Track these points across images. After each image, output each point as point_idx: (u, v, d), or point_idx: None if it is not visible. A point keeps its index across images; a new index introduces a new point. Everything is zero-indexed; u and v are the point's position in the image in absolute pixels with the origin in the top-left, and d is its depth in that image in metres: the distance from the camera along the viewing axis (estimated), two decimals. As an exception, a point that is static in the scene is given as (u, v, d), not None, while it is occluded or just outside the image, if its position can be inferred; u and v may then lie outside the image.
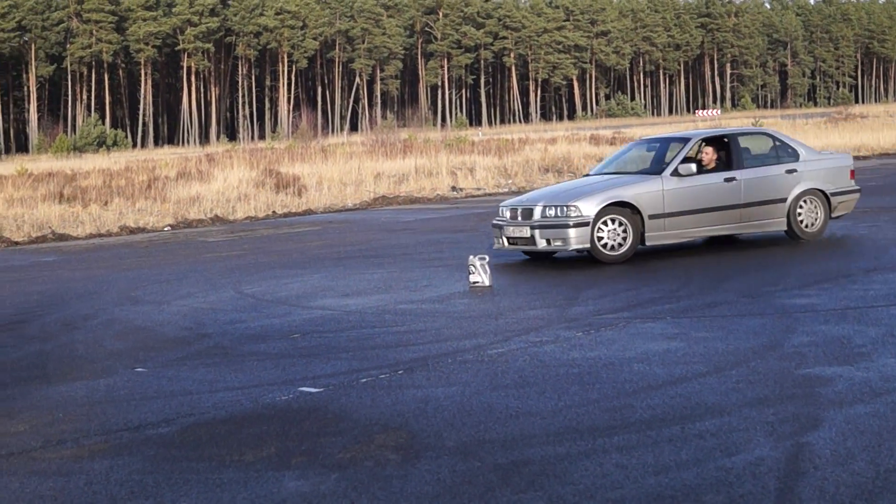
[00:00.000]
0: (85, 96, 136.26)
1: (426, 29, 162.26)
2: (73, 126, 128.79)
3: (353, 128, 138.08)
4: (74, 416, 8.61)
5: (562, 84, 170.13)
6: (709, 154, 16.83)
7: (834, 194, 17.24)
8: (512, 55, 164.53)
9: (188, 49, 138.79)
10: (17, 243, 25.13)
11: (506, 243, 16.37)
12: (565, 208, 15.70)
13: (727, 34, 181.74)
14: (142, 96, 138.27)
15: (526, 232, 15.96)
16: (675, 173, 16.15)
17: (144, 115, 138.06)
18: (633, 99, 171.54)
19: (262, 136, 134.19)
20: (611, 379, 8.69)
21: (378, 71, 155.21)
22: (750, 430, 7.08)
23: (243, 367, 10.10)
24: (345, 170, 39.50)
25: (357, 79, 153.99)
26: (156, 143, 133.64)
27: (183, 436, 7.80)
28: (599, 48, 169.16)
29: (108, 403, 8.97)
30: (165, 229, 27.59)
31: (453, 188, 36.24)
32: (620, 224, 15.71)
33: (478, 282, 14.20)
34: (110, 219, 28.62)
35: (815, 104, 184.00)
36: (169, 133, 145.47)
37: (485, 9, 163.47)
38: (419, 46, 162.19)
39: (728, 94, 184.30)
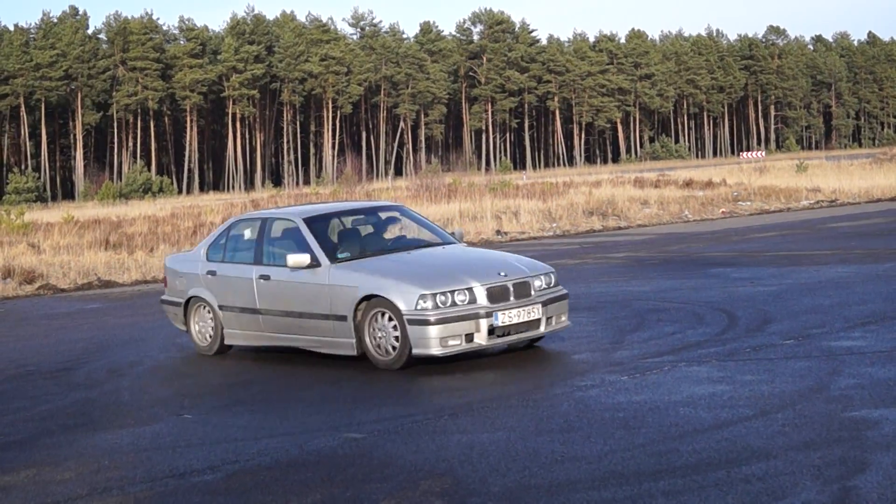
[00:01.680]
0: (130, 143, 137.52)
1: (470, 73, 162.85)
2: (119, 173, 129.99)
3: (398, 172, 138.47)
4: (120, 463, 8.65)
5: (606, 127, 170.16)
6: None
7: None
8: (556, 99, 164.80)
9: (233, 96, 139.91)
10: (63, 290, 25.32)
11: None
12: None
13: (771, 76, 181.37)
14: (187, 143, 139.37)
15: None
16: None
17: (190, 162, 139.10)
18: (677, 141, 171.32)
19: (307, 182, 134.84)
20: (656, 423, 8.66)
21: (422, 115, 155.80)
22: (796, 473, 7.04)
23: (288, 413, 10.12)
24: (389, 214, 39.56)
25: (401, 123, 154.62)
26: (201, 189, 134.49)
27: (228, 483, 7.82)
28: (643, 91, 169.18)
29: (154, 451, 9.01)
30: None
31: (498, 232, 36.26)
32: None
33: (522, 326, 14.15)
34: (156, 265, 28.78)
35: (860, 145, 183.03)
36: (214, 179, 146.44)
37: (528, 53, 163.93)
38: (463, 91, 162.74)
39: (772, 136, 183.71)
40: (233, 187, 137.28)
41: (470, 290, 11.76)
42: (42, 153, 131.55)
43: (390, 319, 11.79)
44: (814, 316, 13.75)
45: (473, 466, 7.74)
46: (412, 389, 10.83)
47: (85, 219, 47.97)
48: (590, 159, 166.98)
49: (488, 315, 11.69)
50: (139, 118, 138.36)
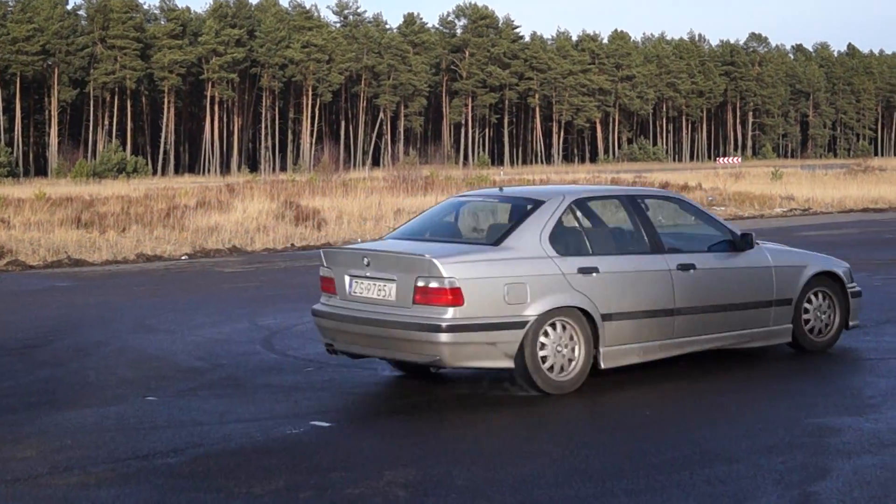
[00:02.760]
0: (106, 122, 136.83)
1: (452, 67, 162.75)
2: (94, 151, 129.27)
3: (375, 163, 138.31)
4: (83, 443, 8.62)
5: (585, 126, 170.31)
6: None
7: None
8: (536, 96, 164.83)
9: (212, 79, 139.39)
10: (32, 267, 25.19)
11: None
12: None
13: (751, 83, 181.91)
14: (164, 124, 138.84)
15: None
16: None
17: (166, 143, 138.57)
18: (655, 144, 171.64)
19: (283, 168, 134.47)
20: (623, 422, 8.70)
21: (402, 107, 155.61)
22: (758, 477, 7.09)
23: (255, 399, 10.12)
24: (365, 205, 39.57)
25: (381, 114, 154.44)
26: (176, 172, 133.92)
27: (192, 466, 7.82)
28: (624, 92, 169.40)
29: (118, 431, 8.99)
30: (182, 258, 27.67)
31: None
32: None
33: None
34: (127, 246, 28.68)
35: (835, 155, 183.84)
36: (190, 162, 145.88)
37: (511, 49, 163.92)
38: (444, 84, 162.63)
39: (749, 143, 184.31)
40: (208, 171, 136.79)
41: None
42: (16, 128, 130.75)
43: (825, 297, 11.73)
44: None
45: (438, 459, 7.76)
46: (382, 381, 10.84)
47: (57, 196, 47.72)
48: (568, 158, 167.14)
49: None
50: (116, 97, 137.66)
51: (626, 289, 10.31)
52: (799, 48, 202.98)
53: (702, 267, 10.83)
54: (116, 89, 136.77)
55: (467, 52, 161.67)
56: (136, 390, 10.70)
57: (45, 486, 7.43)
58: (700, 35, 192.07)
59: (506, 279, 9.68)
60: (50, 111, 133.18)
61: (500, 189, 12.19)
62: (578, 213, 10.81)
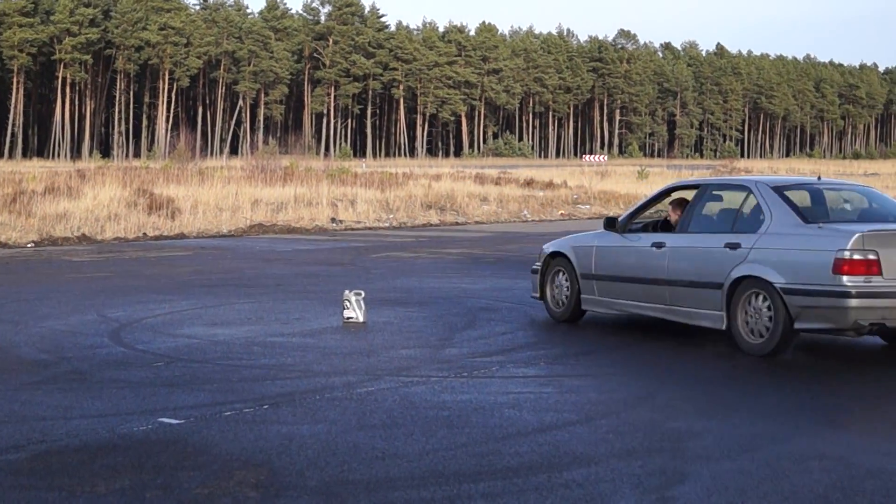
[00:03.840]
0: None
1: (315, 55, 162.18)
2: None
3: (234, 151, 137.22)
4: (-82, 437, 8.40)
5: (450, 120, 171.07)
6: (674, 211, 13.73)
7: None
8: (401, 87, 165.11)
9: (65, 59, 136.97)
10: None
11: None
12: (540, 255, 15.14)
13: (618, 80, 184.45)
14: (12, 105, 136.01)
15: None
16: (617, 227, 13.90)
17: (14, 125, 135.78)
18: (521, 139, 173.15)
19: (137, 155, 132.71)
20: (480, 423, 8.74)
21: (263, 95, 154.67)
22: (616, 481, 7.18)
23: (102, 394, 9.96)
24: (221, 194, 39.22)
25: (240, 102, 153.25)
26: (24, 155, 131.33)
27: (33, 463, 7.67)
28: (490, 86, 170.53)
29: (-44, 425, 8.78)
30: (29, 246, 27.14)
31: (333, 220, 36.19)
32: (566, 279, 14.49)
33: (352, 317, 14.19)
34: (-29, 231, 28.09)
35: (702, 156, 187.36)
36: (39, 145, 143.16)
37: (376, 38, 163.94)
38: (307, 72, 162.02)
39: (616, 141, 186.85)
40: (58, 155, 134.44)
41: None
42: None
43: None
44: (642, 323, 14.05)
45: (291, 459, 7.72)
46: (235, 376, 10.76)
47: None
48: (432, 151, 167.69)
49: None
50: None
51: None
52: (667, 46, 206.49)
53: None
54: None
55: (331, 40, 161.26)
56: (-24, 384, 10.46)
57: None
58: (568, 30, 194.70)
59: None
60: None
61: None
62: None
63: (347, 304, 14.25)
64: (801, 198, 12.68)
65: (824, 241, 11.36)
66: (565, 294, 14.35)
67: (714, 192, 13.32)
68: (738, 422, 8.85)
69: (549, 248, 14.87)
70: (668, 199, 14.49)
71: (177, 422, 8.86)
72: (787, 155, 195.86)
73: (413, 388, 10.16)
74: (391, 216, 37.81)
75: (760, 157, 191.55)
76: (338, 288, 16.99)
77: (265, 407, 9.37)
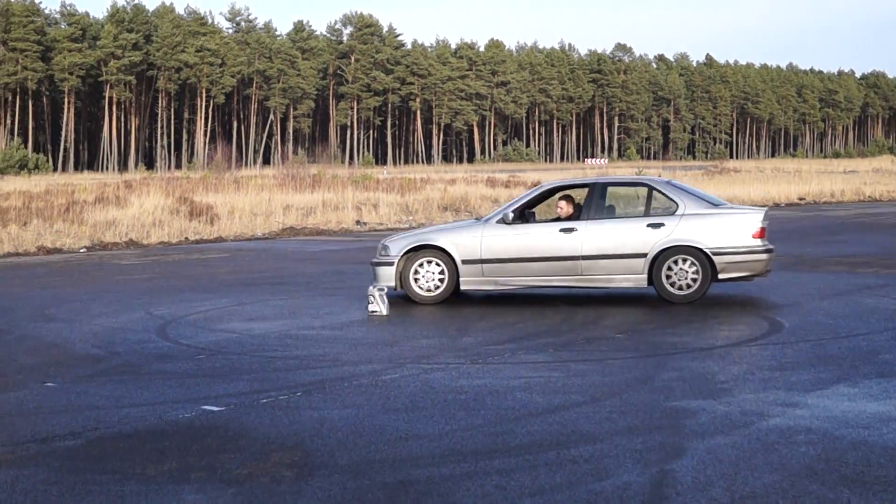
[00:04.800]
0: (9, 121, 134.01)
1: (338, 72, 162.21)
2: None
3: (266, 162, 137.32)
4: (-16, 426, 8.44)
5: (463, 129, 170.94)
6: (563, 206, 15.48)
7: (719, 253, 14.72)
8: (418, 100, 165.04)
9: (111, 80, 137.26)
10: (-64, 259, 24.62)
11: None
12: (383, 248, 15.66)
13: (616, 90, 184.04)
14: (64, 123, 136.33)
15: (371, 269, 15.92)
16: (502, 221, 15.21)
17: (66, 141, 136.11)
18: (528, 145, 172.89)
19: (178, 166, 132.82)
20: (494, 405, 8.75)
21: (291, 109, 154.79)
22: (620, 456, 7.18)
23: (149, 385, 9.99)
24: (256, 201, 39.27)
25: (271, 116, 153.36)
26: (76, 169, 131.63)
27: (88, 449, 7.70)
28: (499, 97, 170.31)
29: (17, 416, 8.82)
30: (81, 251, 27.21)
31: (358, 222, 36.21)
32: (438, 266, 15.28)
33: (376, 311, 14.22)
34: (28, 239, 28.15)
35: (694, 158, 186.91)
36: (89, 159, 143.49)
37: (394, 56, 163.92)
38: (331, 88, 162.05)
39: (615, 145, 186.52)
40: (106, 168, 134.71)
41: None
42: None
43: None
44: (642, 312, 14.04)
45: (323, 441, 7.74)
46: (270, 366, 10.78)
47: (-40, 191, 46.57)
48: (447, 158, 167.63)
49: None
50: (17, 97, 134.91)
51: None
52: (661, 58, 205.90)
53: None
54: (18, 89, 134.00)
55: (353, 58, 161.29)
56: (36, 377, 10.51)
57: (-54, 470, 7.25)
58: (570, 44, 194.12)
59: None
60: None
61: None
62: None
63: (372, 298, 14.28)
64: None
65: (744, 218, 15.00)
66: (437, 279, 15.27)
67: (607, 189, 15.65)
68: (730, 400, 8.85)
69: (400, 244, 15.57)
70: (554, 197, 16.07)
71: (218, 409, 8.89)
72: (773, 155, 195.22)
73: (433, 374, 10.18)
74: (411, 218, 37.81)
75: (748, 157, 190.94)
76: (363, 284, 17.01)
77: (298, 394, 9.40)
